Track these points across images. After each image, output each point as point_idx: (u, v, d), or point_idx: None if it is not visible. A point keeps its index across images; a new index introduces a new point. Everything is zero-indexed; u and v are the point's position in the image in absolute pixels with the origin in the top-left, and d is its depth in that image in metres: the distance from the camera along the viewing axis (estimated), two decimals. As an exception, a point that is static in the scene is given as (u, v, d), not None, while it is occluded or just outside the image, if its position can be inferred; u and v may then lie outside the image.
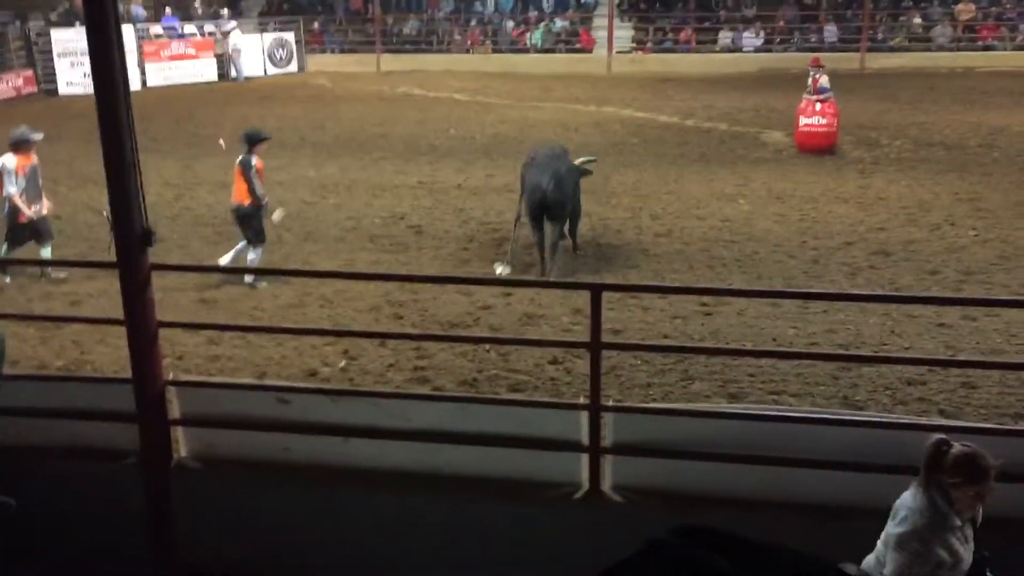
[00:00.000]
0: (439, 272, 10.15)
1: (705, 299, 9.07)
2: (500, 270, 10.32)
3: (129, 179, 4.64)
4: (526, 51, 27.88)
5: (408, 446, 4.98)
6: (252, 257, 10.10)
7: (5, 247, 10.15)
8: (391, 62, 27.52)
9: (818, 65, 16.05)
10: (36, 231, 10.23)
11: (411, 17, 29.16)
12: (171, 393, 5.09)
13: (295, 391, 5.16)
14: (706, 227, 11.82)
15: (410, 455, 4.97)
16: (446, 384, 7.51)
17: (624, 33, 27.68)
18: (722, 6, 28.00)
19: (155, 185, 13.39)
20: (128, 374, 5.11)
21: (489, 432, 4.97)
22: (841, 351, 7.83)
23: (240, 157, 10.17)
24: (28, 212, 10.07)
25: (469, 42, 28.51)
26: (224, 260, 10.14)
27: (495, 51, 28.13)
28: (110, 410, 5.11)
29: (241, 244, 10.25)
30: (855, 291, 9.33)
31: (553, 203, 9.89)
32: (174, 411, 5.10)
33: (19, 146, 10.10)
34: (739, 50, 26.95)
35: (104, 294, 9.44)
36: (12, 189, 10.01)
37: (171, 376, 5.16)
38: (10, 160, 10.04)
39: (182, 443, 5.12)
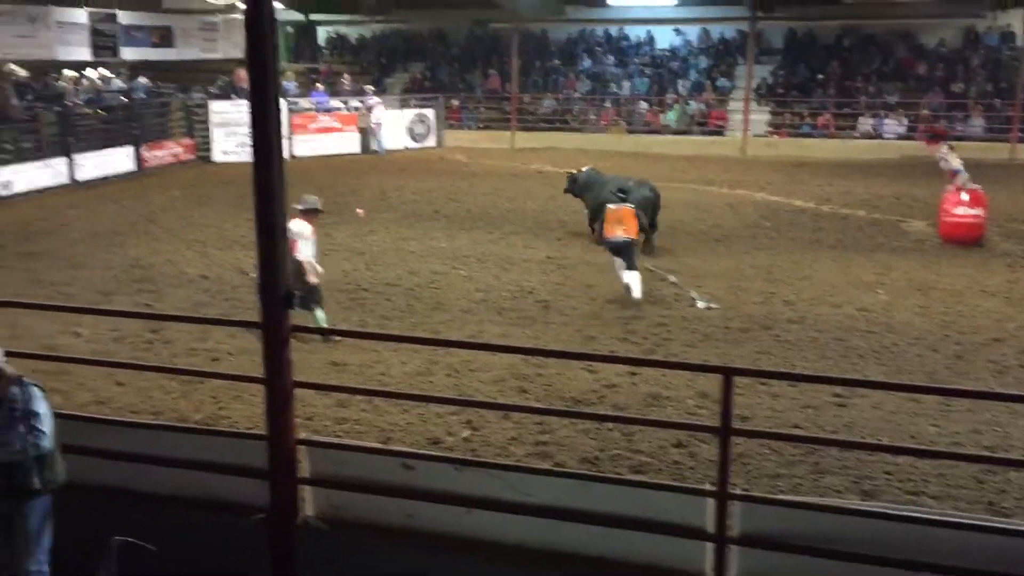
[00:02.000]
0: (565, 347, 10.14)
1: (839, 390, 8.75)
2: (702, 304, 11.51)
3: (277, 244, 4.85)
4: (660, 132, 28.04)
5: (528, 520, 4.93)
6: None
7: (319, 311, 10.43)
8: (525, 139, 28.12)
9: (938, 139, 15.48)
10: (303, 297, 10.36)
11: (547, 96, 29.80)
12: (301, 452, 5.21)
13: (420, 458, 5.19)
14: (841, 315, 11.46)
15: (530, 530, 4.91)
16: (567, 460, 7.45)
17: (760, 116, 27.53)
18: (863, 92, 27.54)
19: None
20: (262, 430, 5.28)
21: (610, 512, 4.87)
22: (987, 453, 7.39)
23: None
24: (315, 278, 10.42)
25: (603, 122, 28.89)
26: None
27: (629, 131, 28.41)
28: (243, 465, 5.25)
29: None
30: (1004, 391, 8.83)
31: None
32: (303, 470, 5.21)
33: (309, 213, 10.55)
34: (880, 137, 26.37)
35: (243, 352, 9.84)
36: (309, 253, 10.41)
37: (302, 435, 5.29)
38: (305, 226, 10.45)
39: (309, 502, 5.21)
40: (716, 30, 30.52)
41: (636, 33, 31.44)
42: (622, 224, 12.25)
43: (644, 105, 28.94)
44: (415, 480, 5.06)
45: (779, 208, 18.66)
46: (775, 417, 8.33)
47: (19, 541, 5.00)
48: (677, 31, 30.83)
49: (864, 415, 8.36)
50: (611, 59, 30.97)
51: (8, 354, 8.74)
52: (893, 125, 26.31)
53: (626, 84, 29.84)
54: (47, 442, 4.97)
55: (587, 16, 31.23)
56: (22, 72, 21.82)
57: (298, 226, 10.26)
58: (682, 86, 29.29)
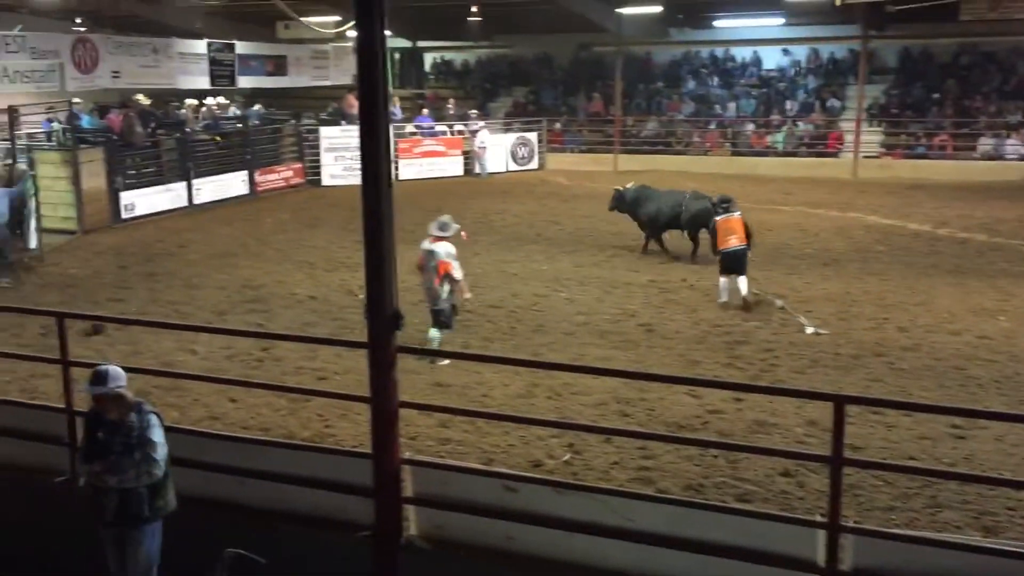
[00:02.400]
0: (668, 371, 10.01)
1: (958, 420, 8.38)
2: (810, 329, 11.35)
3: (385, 266, 4.95)
4: (766, 154, 27.55)
5: (630, 547, 4.86)
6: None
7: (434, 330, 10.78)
8: (628, 162, 27.98)
9: None
10: (436, 313, 10.79)
11: (650, 119, 29.64)
12: (405, 471, 5.26)
13: (522, 480, 5.19)
14: (960, 343, 11.00)
15: (632, 556, 4.84)
16: (670, 487, 7.33)
17: (872, 137, 26.76)
18: (983, 112, 26.49)
19: (400, 271, 14.18)
20: (367, 449, 5.36)
21: (715, 541, 4.77)
22: (1121, 491, 6.95)
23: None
24: (467, 294, 10.90)
25: (707, 144, 28.56)
26: None
27: (734, 153, 28.00)
28: (348, 483, 5.34)
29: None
30: None
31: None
32: (407, 489, 5.26)
33: (446, 234, 10.85)
34: (1001, 158, 25.27)
35: (349, 372, 10.03)
36: (459, 275, 10.73)
37: (406, 455, 5.35)
38: (453, 248, 10.79)
39: (412, 522, 5.26)
40: (826, 49, 29.84)
41: (742, 54, 31.02)
42: (735, 233, 12.84)
43: (751, 127, 28.50)
44: (516, 502, 5.06)
45: (893, 232, 18.05)
46: (889, 448, 8.03)
47: (131, 565, 5.16)
48: (785, 51, 30.28)
49: (985, 447, 7.99)
50: (716, 80, 30.62)
51: (129, 370, 9.14)
52: (1015, 146, 25.19)
53: (731, 105, 29.45)
54: (160, 471, 5.12)
55: (692, 38, 30.97)
56: (146, 101, 22.88)
57: (448, 247, 10.69)
58: (790, 107, 28.73)
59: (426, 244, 10.89)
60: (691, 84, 30.79)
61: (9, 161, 16.61)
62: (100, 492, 5.12)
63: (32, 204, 15.71)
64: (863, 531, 4.85)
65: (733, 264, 12.74)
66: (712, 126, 29.04)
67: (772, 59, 30.61)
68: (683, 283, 14.16)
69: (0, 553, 5.58)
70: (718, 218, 13.15)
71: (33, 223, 15.73)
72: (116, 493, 5.08)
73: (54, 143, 20.33)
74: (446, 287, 10.76)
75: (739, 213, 13.14)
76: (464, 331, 11.78)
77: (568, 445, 8.18)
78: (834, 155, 26.80)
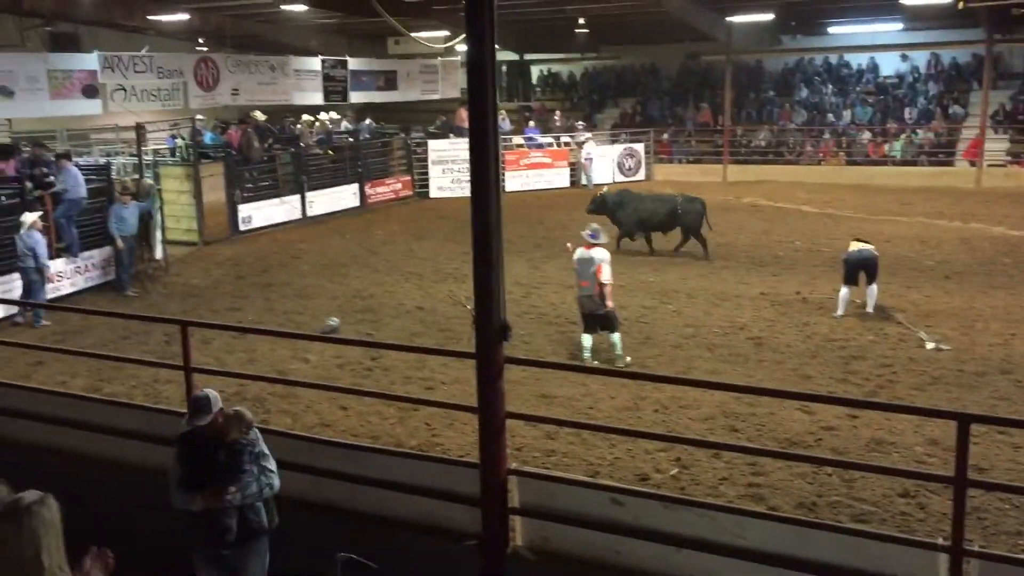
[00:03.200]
0: (779, 386, 9.76)
1: (1092, 442, 7.92)
2: (931, 345, 11.03)
3: (493, 277, 4.97)
4: (883, 163, 26.67)
5: (742, 564, 4.74)
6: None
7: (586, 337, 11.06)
8: (737, 172, 27.53)
9: None
10: (607, 319, 10.98)
11: (761, 128, 29.08)
12: (511, 482, 5.27)
13: (629, 493, 5.13)
14: (1094, 360, 10.41)
15: (743, 574, 4.73)
16: (782, 504, 7.14)
17: (997, 145, 25.60)
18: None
19: (506, 283, 14.28)
20: (473, 459, 5.39)
21: (830, 562, 4.61)
22: None
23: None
24: (610, 301, 10.89)
25: (821, 153, 27.84)
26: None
27: (849, 162, 27.22)
28: (455, 492, 5.38)
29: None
30: None
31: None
32: (513, 499, 5.27)
33: (600, 241, 11.02)
34: None
35: (456, 382, 10.13)
36: (608, 280, 10.86)
37: (512, 465, 5.36)
38: (607, 253, 10.97)
39: (519, 532, 5.26)
40: (947, 54, 28.75)
41: (858, 61, 30.15)
42: (860, 240, 12.89)
43: (866, 135, 27.64)
44: (623, 515, 5.00)
45: (1020, 244, 17.23)
46: (1018, 470, 7.65)
47: None
48: (903, 57, 29.28)
49: (1124, 472, 7.52)
50: (830, 88, 29.83)
51: (246, 377, 9.44)
52: None
53: (846, 114, 28.64)
54: (278, 480, 5.18)
55: (805, 45, 30.26)
56: (262, 117, 23.68)
57: (604, 253, 10.89)
58: (908, 114, 27.75)
59: (581, 252, 11.05)
60: (804, 92, 30.09)
61: (136, 176, 17.42)
62: (218, 514, 5.05)
63: (158, 217, 16.43)
64: (989, 556, 4.61)
65: (862, 267, 12.48)
66: (826, 135, 28.31)
67: (890, 65, 29.67)
68: (796, 296, 13.82)
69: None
70: None
71: (159, 235, 16.45)
72: (236, 511, 5.06)
73: (178, 158, 21.23)
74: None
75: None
76: (571, 343, 11.76)
77: (675, 459, 8.07)
78: (971, 163, 25.61)
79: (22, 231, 13.18)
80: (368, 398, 9.32)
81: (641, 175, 28.17)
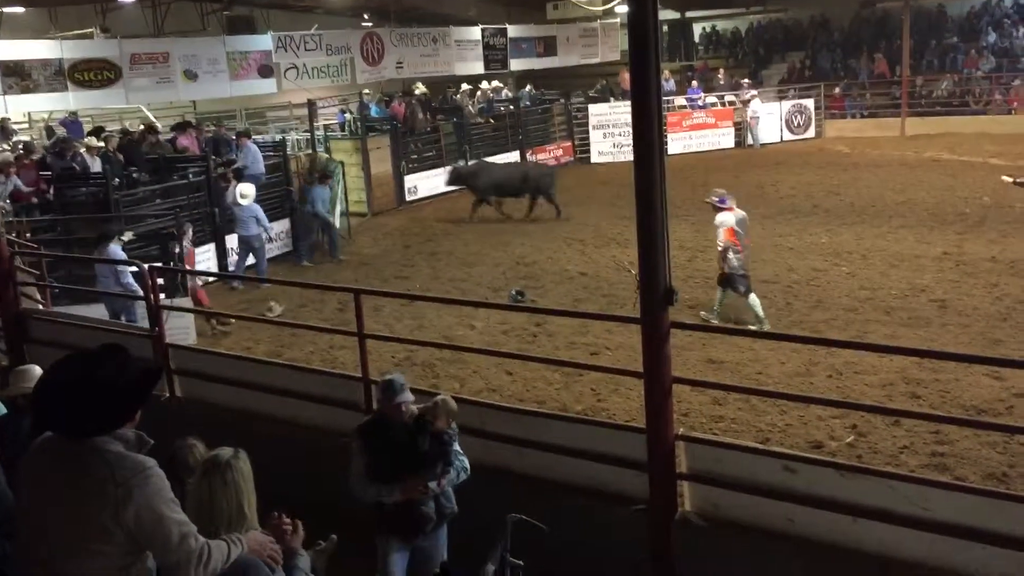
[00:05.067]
0: (965, 351, 9.20)
1: None
2: None
3: (658, 241, 4.90)
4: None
5: (925, 536, 4.52)
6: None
7: (720, 294, 11.14)
8: (917, 125, 25.96)
9: None
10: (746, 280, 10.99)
11: (944, 77, 27.28)
12: (679, 447, 5.21)
13: (803, 461, 4.97)
14: None
15: (928, 546, 4.50)
16: (969, 475, 6.76)
17: None
18: None
19: (671, 247, 14.06)
20: (640, 424, 5.36)
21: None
22: None
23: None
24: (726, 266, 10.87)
25: (1011, 102, 25.86)
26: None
27: (1042, 113, 25.19)
28: (622, 457, 5.37)
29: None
30: None
31: None
32: (680, 465, 5.21)
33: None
34: None
35: (620, 347, 10.10)
36: (722, 239, 10.89)
37: (679, 431, 5.29)
38: (733, 216, 10.96)
39: (687, 498, 5.20)
40: None
41: (1055, -1, 27.77)
42: None
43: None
44: (796, 483, 4.86)
45: None
46: None
47: (433, 565, 5.11)
48: (1105, -8, 26.80)
49: None
50: (1021, 31, 27.59)
51: (415, 343, 9.72)
52: None
53: (1039, 58, 26.48)
54: (468, 462, 5.17)
55: (992, -16, 28.16)
56: (425, 89, 24.19)
57: (724, 216, 10.93)
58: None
59: (740, 212, 11.11)
60: (992, 37, 27.95)
61: (310, 151, 18.19)
62: (415, 504, 4.96)
63: (339, 190, 17.11)
64: None
65: None
66: (1016, 82, 26.24)
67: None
68: (990, 260, 12.90)
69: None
70: None
71: (339, 208, 17.12)
72: (432, 499, 5.01)
73: (346, 133, 22.00)
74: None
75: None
76: (736, 307, 11.49)
77: (851, 427, 7.77)
78: None
79: (242, 202, 14.23)
80: (533, 363, 9.41)
81: (811, 132, 27.05)
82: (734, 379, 9.05)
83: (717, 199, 11.23)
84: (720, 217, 11.01)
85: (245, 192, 14.38)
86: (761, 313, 10.71)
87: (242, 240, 14.53)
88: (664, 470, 5.12)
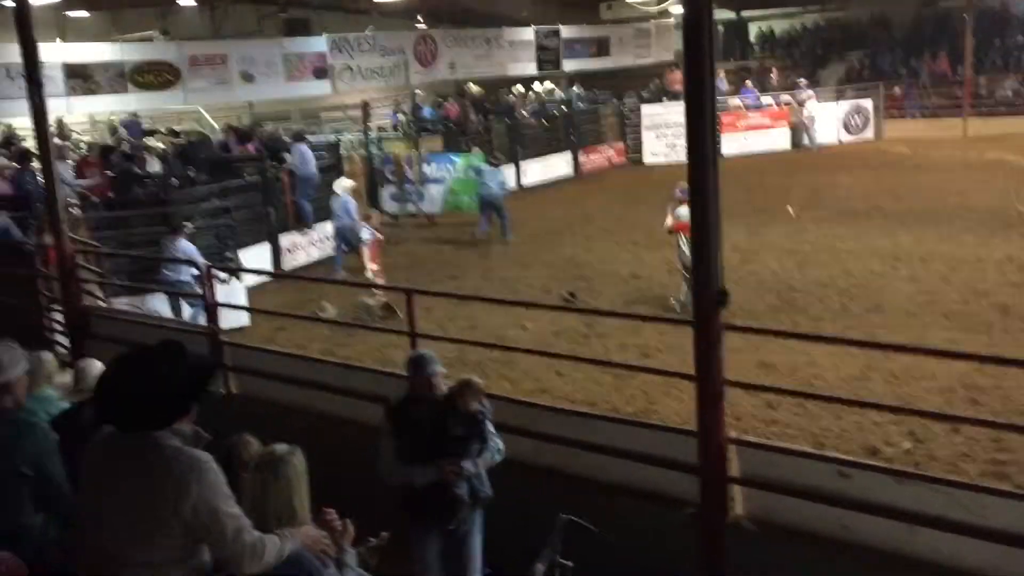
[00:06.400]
0: (1028, 358, 8.96)
1: None
2: None
3: (711, 243, 4.86)
4: None
5: (983, 546, 4.42)
6: None
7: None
8: (979, 126, 25.41)
9: None
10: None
11: (1008, 78, 26.64)
12: (731, 451, 5.16)
13: (858, 466, 4.89)
14: None
15: (989, 556, 4.40)
16: (1032, 484, 6.58)
17: None
18: None
19: (723, 249, 13.92)
20: (691, 427, 5.32)
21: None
22: None
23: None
24: None
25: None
26: None
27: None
28: (673, 459, 5.33)
29: None
30: None
31: None
32: (732, 469, 5.16)
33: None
34: None
35: (671, 349, 10.02)
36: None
37: (731, 434, 5.24)
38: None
39: (739, 502, 5.14)
40: None
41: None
42: None
43: None
44: (850, 490, 4.78)
45: None
46: None
47: (472, 550, 5.15)
48: None
49: None
50: (1090, 29, 26.90)
51: (466, 342, 9.76)
52: None
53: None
54: (502, 442, 5.14)
55: (1059, -19, 27.46)
56: (478, 90, 24.28)
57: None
58: None
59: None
60: (1058, 35, 27.28)
61: (363, 151, 18.39)
62: (446, 487, 4.91)
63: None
64: None
65: None
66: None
67: None
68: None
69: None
70: None
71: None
72: (465, 481, 4.96)
73: (400, 133, 22.17)
74: None
75: None
76: (792, 310, 11.37)
77: (909, 433, 7.62)
78: None
79: (339, 192, 14.94)
80: (584, 364, 9.38)
81: (869, 133, 26.61)
82: (788, 382, 8.92)
83: (681, 192, 11.46)
84: (680, 210, 11.35)
85: (343, 185, 15.19)
86: (683, 299, 11.37)
87: (337, 231, 15.09)
88: (715, 474, 5.07)
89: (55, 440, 4.01)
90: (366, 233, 13.24)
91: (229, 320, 9.07)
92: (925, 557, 4.57)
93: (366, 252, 13.36)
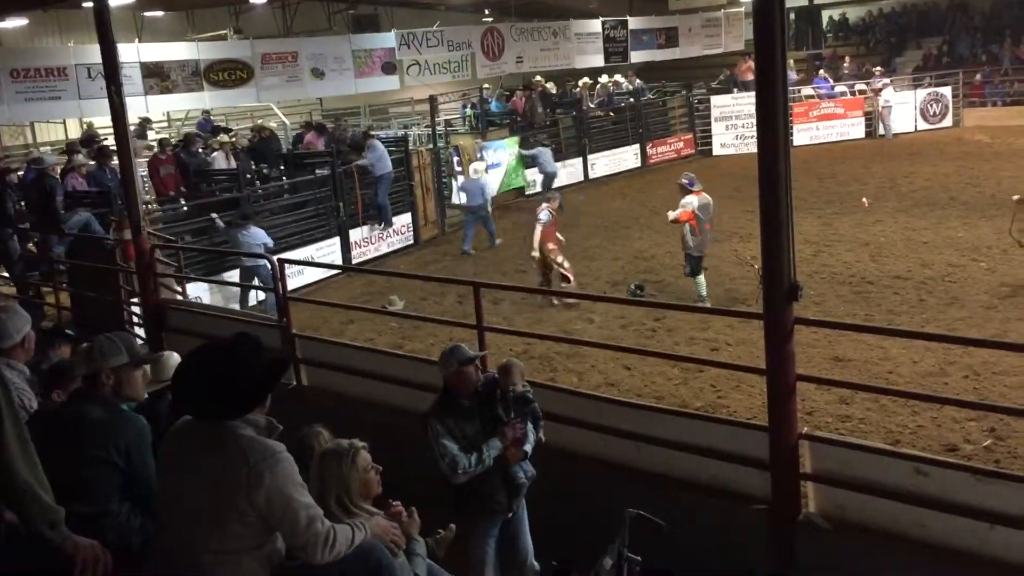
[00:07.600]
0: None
1: None
2: None
3: (782, 235, 4.77)
4: None
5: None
6: None
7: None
8: (1064, 113, 24.53)
9: None
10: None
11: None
12: (803, 447, 5.07)
13: (936, 464, 4.76)
14: None
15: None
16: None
17: None
18: None
19: (795, 241, 13.67)
20: (762, 422, 5.24)
21: None
22: None
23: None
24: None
25: None
26: None
27: None
28: (743, 455, 5.26)
29: None
30: None
31: None
32: (805, 465, 5.07)
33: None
34: None
35: (741, 343, 9.90)
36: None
37: (803, 430, 5.15)
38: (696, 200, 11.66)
39: (811, 499, 5.06)
40: None
41: None
42: None
43: None
44: (927, 487, 4.66)
45: None
46: None
47: (524, 535, 5.13)
48: None
49: None
50: None
51: (533, 336, 9.75)
52: None
53: None
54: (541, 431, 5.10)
55: None
56: (544, 82, 24.21)
57: (690, 199, 11.70)
58: None
59: (706, 197, 11.86)
60: None
61: (431, 146, 18.48)
62: (507, 470, 4.88)
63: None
64: None
65: None
66: None
67: None
68: None
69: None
70: None
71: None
72: (519, 466, 4.93)
73: (467, 127, 22.23)
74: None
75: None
76: (866, 303, 11.13)
77: (989, 430, 7.40)
78: None
79: (474, 176, 16.46)
80: (652, 358, 9.32)
81: (948, 121, 25.86)
82: (862, 378, 8.74)
83: (687, 181, 11.85)
84: (685, 199, 11.67)
85: (477, 168, 16.71)
86: (703, 292, 11.67)
87: (469, 211, 16.28)
88: (787, 470, 4.99)
89: (150, 436, 4.11)
90: (544, 215, 12.78)
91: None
92: (1005, 557, 4.46)
93: (537, 234, 12.82)
